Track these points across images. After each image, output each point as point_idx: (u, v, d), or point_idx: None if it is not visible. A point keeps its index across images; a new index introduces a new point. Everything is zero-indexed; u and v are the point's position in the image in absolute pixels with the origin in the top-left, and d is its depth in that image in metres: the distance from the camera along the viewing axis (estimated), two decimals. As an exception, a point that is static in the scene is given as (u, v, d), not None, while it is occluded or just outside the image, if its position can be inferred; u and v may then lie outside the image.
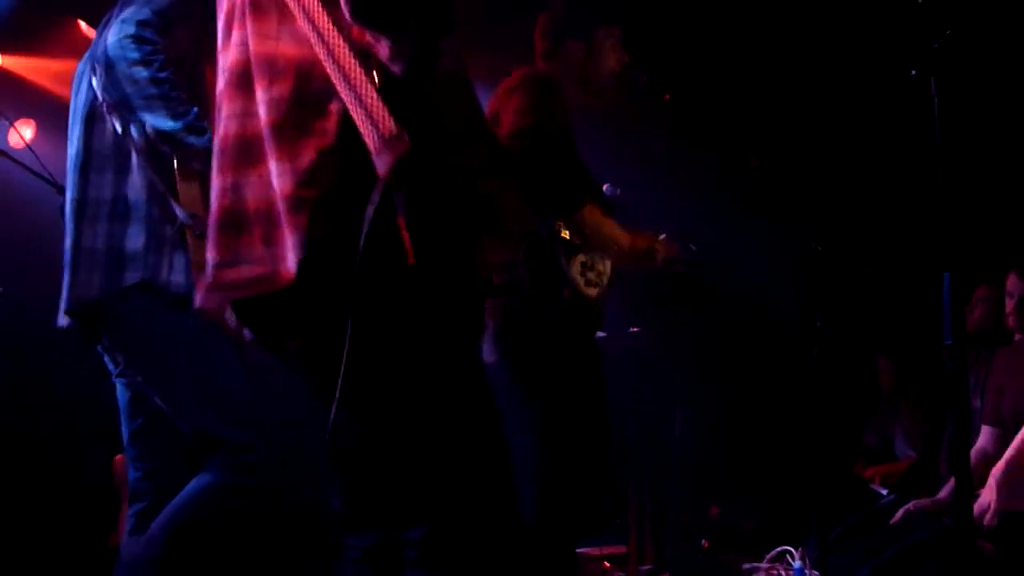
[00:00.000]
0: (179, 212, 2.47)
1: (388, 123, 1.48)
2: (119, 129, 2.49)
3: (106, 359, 2.68)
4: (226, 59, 1.69)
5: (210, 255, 1.66)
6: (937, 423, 4.65)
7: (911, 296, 4.85)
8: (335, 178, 1.54)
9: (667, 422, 5.03)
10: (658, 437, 4.92)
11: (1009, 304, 3.59)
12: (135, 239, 2.49)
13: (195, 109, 2.47)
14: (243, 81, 1.64)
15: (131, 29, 2.39)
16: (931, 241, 2.24)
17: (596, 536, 4.95)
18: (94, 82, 2.51)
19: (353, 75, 1.51)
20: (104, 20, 2.58)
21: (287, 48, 1.59)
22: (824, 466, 3.59)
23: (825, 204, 5.12)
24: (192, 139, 2.45)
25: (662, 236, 3.31)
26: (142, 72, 2.39)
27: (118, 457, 3.82)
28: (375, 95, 1.49)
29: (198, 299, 1.71)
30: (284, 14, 1.60)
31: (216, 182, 1.68)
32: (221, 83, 1.69)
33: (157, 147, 2.46)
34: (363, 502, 1.73)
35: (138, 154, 2.49)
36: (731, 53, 5.12)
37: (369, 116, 1.49)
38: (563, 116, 2.97)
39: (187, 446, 2.55)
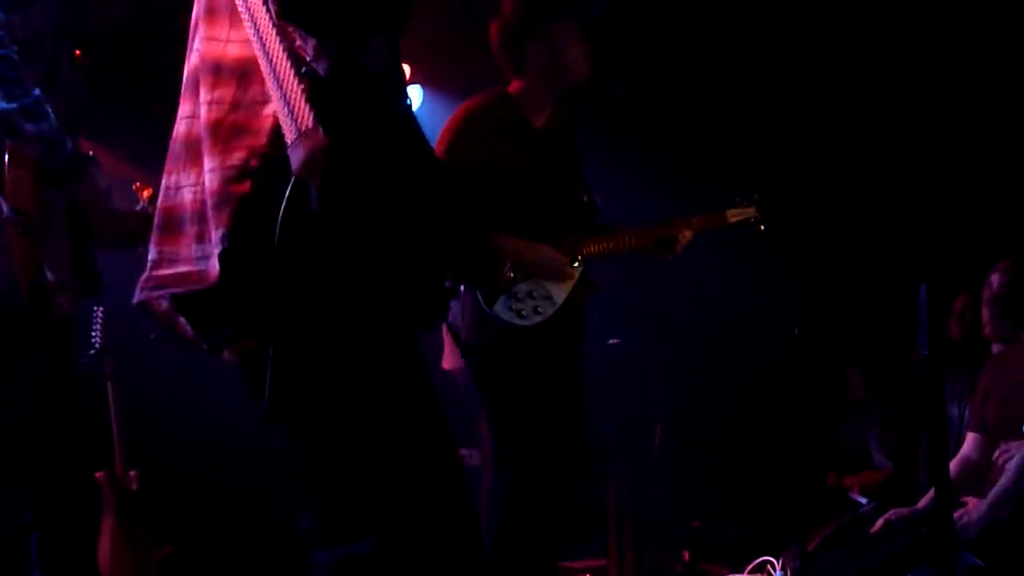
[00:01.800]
0: (3, 205, 2.29)
1: (306, 118, 1.53)
2: None
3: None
4: (188, 66, 1.75)
5: (150, 253, 1.73)
6: (913, 432, 4.68)
7: (885, 306, 4.88)
8: (263, 177, 1.59)
9: (647, 433, 5.03)
10: (638, 448, 4.93)
11: (985, 313, 3.62)
12: None
13: (36, 92, 2.30)
14: (193, 84, 1.71)
15: None
16: (908, 251, 2.26)
17: (572, 551, 4.95)
18: None
19: (282, 73, 1.57)
20: None
21: (233, 51, 1.66)
22: (804, 476, 3.60)
23: (805, 215, 5.15)
24: (27, 124, 2.28)
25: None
26: None
27: (97, 474, 3.79)
28: (299, 92, 1.55)
29: (136, 295, 1.74)
30: (235, 19, 1.66)
31: (163, 182, 1.74)
32: (182, 89, 1.75)
33: None
34: (322, 516, 1.73)
35: None
36: (711, 57, 5.13)
37: (290, 111, 1.54)
38: (489, 148, 2.96)
39: None
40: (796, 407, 3.75)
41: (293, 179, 1.53)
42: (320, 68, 1.59)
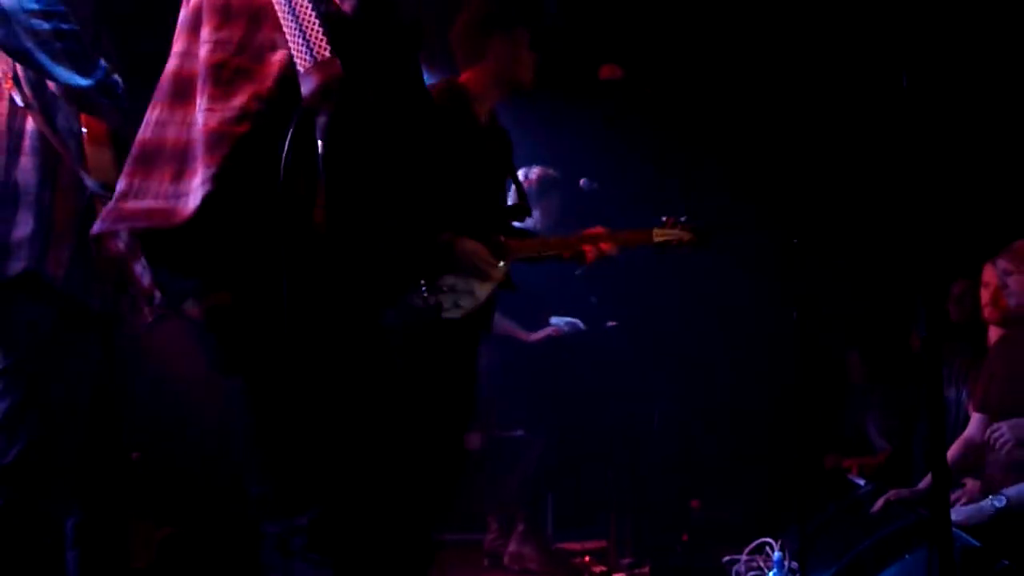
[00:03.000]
0: (88, 182, 2.29)
1: (323, 48, 1.51)
2: (19, 101, 2.32)
3: None
4: (187, 7, 1.69)
5: (119, 184, 1.65)
6: (911, 414, 4.69)
7: (885, 289, 4.89)
8: (263, 123, 1.55)
9: (646, 416, 5.04)
10: (637, 431, 4.94)
11: (984, 295, 3.62)
12: (23, 227, 2.30)
13: (103, 63, 2.29)
14: (194, 22, 1.65)
15: None
16: (907, 235, 2.26)
17: (572, 533, 4.98)
18: None
19: (300, 7, 1.54)
20: None
21: None
22: (803, 458, 3.61)
23: (803, 198, 5.15)
24: (103, 98, 2.29)
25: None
26: (43, 24, 2.20)
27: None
28: (316, 23, 1.52)
29: (95, 226, 1.67)
30: None
31: (146, 115, 1.68)
32: (178, 27, 1.70)
33: (56, 109, 2.29)
34: (267, 485, 1.70)
35: (39, 122, 2.30)
36: (710, 48, 5.13)
37: (306, 40, 1.51)
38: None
39: None
40: (796, 390, 3.75)
41: (300, 110, 1.50)
42: (347, 5, 1.55)
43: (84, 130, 2.33)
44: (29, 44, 2.21)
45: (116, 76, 2.32)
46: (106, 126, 2.35)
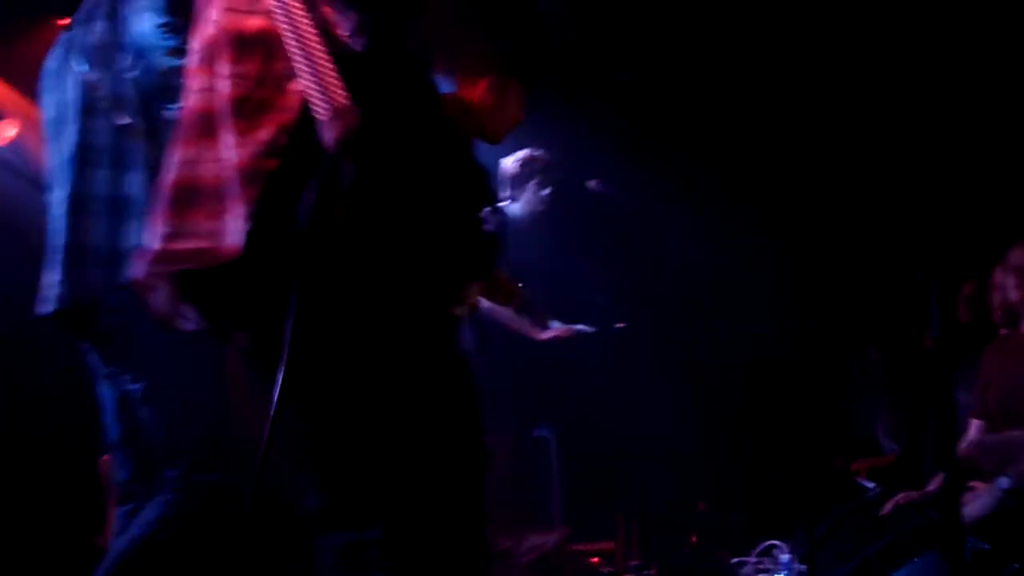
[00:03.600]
0: None
1: (340, 95, 1.50)
2: (123, 120, 2.40)
3: (90, 359, 2.63)
4: (200, 37, 1.69)
5: (160, 227, 1.65)
6: (921, 417, 4.67)
7: (898, 290, 4.88)
8: (292, 154, 1.54)
9: (654, 417, 5.03)
10: (645, 432, 4.93)
11: (996, 298, 3.61)
12: (135, 236, 2.37)
13: None
14: (210, 57, 1.65)
15: (160, 17, 2.31)
16: (918, 235, 2.25)
17: (580, 534, 4.97)
18: (94, 74, 2.41)
19: (311, 48, 1.52)
20: (85, 9, 2.48)
21: (254, 23, 1.60)
22: (811, 461, 3.59)
23: (815, 196, 5.14)
24: None
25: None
26: (174, 63, 2.26)
27: (104, 457, 3.79)
28: (330, 67, 1.51)
29: (140, 269, 1.68)
30: None
31: (174, 155, 1.67)
32: (193, 60, 1.69)
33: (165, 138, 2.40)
34: (328, 501, 1.71)
35: (143, 149, 2.40)
36: (717, 51, 5.12)
37: (322, 88, 1.50)
38: None
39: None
40: (804, 391, 3.74)
41: (327, 157, 1.50)
42: (358, 44, 1.55)
43: None
44: (158, 81, 2.31)
45: None
46: None
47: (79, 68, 2.47)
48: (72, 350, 2.67)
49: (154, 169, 2.39)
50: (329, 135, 1.50)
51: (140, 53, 2.32)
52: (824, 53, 4.91)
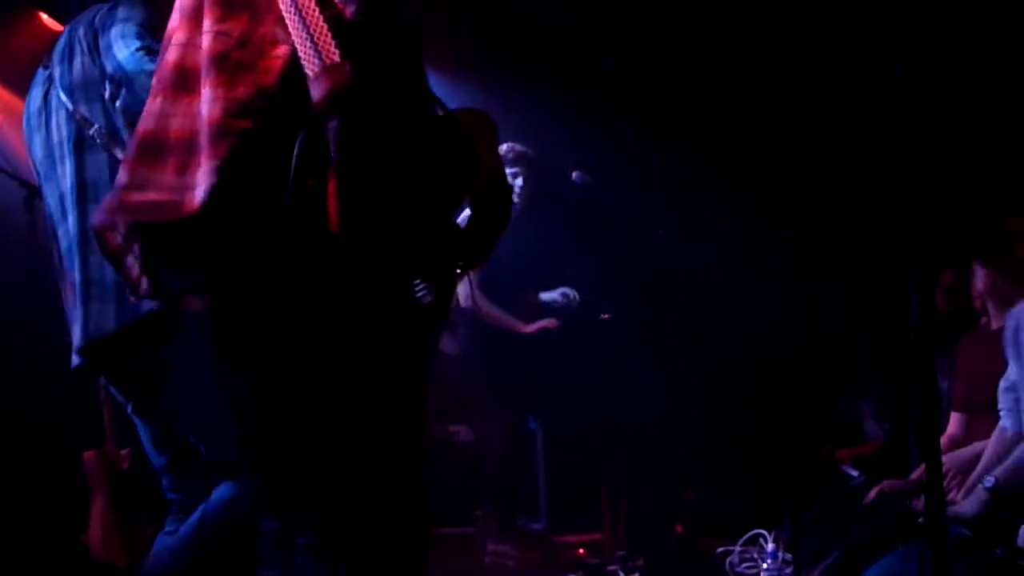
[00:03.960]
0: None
1: (332, 53, 1.49)
2: (119, 154, 2.40)
3: (113, 392, 2.60)
4: None
5: (121, 177, 1.63)
6: (905, 404, 4.69)
7: (883, 277, 4.89)
8: (268, 117, 1.54)
9: (640, 408, 5.04)
10: (631, 422, 4.94)
11: (976, 287, 3.62)
12: None
13: None
14: (194, 13, 1.64)
15: (138, 41, 2.32)
16: (900, 223, 2.25)
17: (566, 525, 4.98)
18: (82, 109, 2.42)
19: (306, 8, 1.52)
20: (67, 35, 2.49)
21: None
22: (797, 449, 3.60)
23: (802, 187, 5.15)
24: None
25: None
26: None
27: (87, 453, 3.78)
28: (324, 27, 1.50)
29: (96, 218, 1.67)
30: None
31: (146, 107, 1.66)
32: (175, 18, 1.68)
33: None
34: (268, 481, 1.70)
35: None
36: (702, 43, 5.12)
37: (314, 45, 1.50)
38: None
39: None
40: (789, 380, 3.75)
41: (311, 113, 1.48)
42: (350, 8, 1.53)
43: None
44: None
45: None
46: None
47: (67, 105, 2.44)
48: (56, 346, 2.66)
49: None
50: (318, 91, 1.48)
51: (124, 81, 2.31)
52: (810, 44, 4.92)
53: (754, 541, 3.81)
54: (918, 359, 2.22)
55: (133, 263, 1.65)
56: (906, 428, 4.43)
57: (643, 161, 5.24)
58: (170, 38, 1.68)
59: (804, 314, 3.62)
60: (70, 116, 2.47)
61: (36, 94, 2.59)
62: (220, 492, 2.45)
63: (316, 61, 1.49)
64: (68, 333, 2.55)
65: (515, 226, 4.59)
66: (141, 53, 2.31)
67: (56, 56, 2.51)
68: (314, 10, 1.51)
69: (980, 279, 3.56)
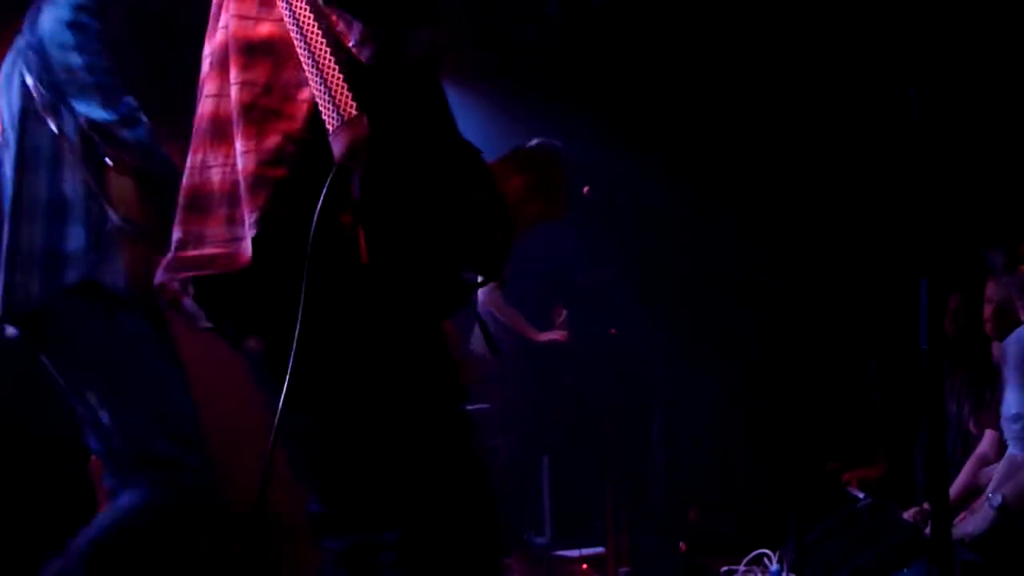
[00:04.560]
0: (112, 215, 2.39)
1: (348, 106, 1.50)
2: (55, 127, 2.41)
3: (53, 373, 2.55)
4: (212, 43, 1.70)
5: (175, 233, 1.67)
6: (913, 427, 4.67)
7: (892, 300, 4.89)
8: (299, 162, 1.55)
9: (645, 424, 5.04)
10: (636, 439, 4.93)
11: (987, 310, 3.62)
12: (75, 239, 2.40)
13: (130, 100, 2.38)
14: (222, 62, 1.65)
15: (66, 14, 2.32)
16: (910, 246, 2.26)
17: (569, 541, 4.97)
18: (27, 80, 2.42)
19: (321, 58, 1.52)
20: (33, 7, 2.48)
21: (263, 29, 1.61)
22: (801, 469, 3.59)
23: (813, 206, 5.15)
24: (125, 132, 2.36)
25: None
26: (77, 59, 2.31)
27: (95, 459, 3.78)
28: (340, 78, 1.51)
29: (157, 276, 1.69)
30: None
31: (188, 160, 1.69)
32: (205, 66, 1.70)
33: (90, 141, 2.37)
34: (337, 505, 1.71)
35: (72, 151, 2.41)
36: (717, 54, 5.13)
37: (331, 98, 1.51)
38: None
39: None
40: (796, 400, 3.75)
41: (335, 167, 1.49)
42: (364, 54, 1.54)
43: (110, 162, 2.40)
44: (62, 78, 2.32)
45: (142, 114, 2.40)
46: (130, 161, 2.42)
47: (23, 74, 2.45)
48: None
49: (87, 171, 2.39)
50: (338, 146, 1.50)
51: (43, 49, 2.32)
52: (822, 59, 4.92)
53: (758, 561, 3.80)
54: (926, 383, 2.22)
55: (190, 303, 1.69)
56: (912, 452, 4.42)
57: (658, 176, 5.25)
58: (202, 87, 1.70)
59: (813, 337, 3.62)
60: (22, 83, 2.48)
61: (8, 58, 2.59)
62: (119, 501, 2.41)
63: (334, 115, 1.50)
64: None
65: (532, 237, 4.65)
66: (64, 26, 2.32)
67: (27, 23, 2.50)
68: (329, 59, 1.52)
69: (992, 302, 3.56)
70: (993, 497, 3.06)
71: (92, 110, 2.34)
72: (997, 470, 3.27)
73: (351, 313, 1.57)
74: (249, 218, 1.55)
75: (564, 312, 4.90)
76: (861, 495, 4.26)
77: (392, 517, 1.62)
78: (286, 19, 1.57)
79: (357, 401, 1.61)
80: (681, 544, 4.62)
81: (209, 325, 1.71)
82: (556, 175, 1.80)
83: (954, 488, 3.53)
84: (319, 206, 1.50)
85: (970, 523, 3.13)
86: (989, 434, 3.62)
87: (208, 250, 1.61)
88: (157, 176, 2.45)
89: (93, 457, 3.78)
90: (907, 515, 3.57)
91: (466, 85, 4.81)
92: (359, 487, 1.66)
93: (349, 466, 1.66)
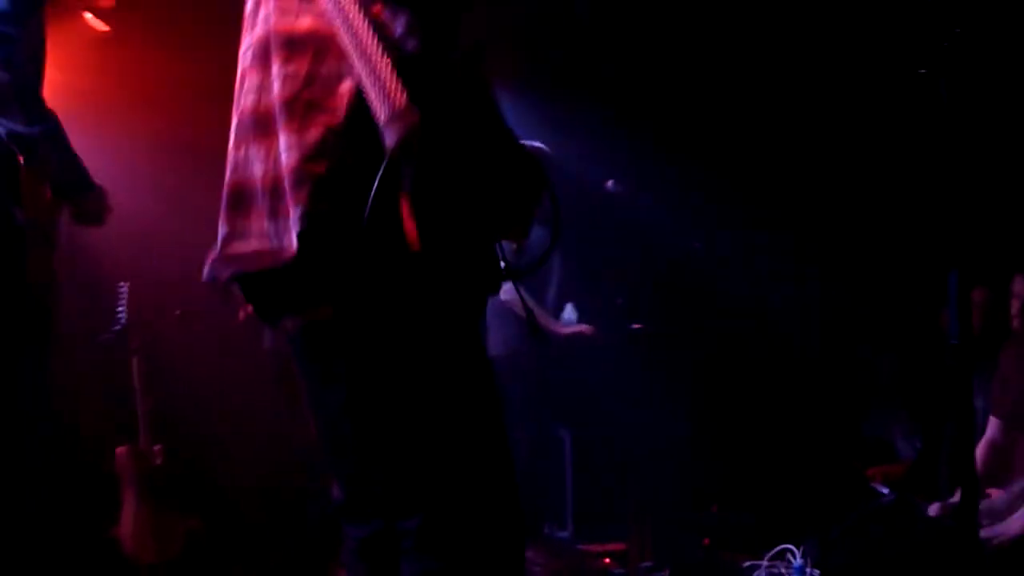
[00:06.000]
0: (18, 216, 2.42)
1: (399, 96, 1.49)
2: None
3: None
4: (252, 36, 1.70)
5: (221, 228, 1.68)
6: (938, 422, 4.64)
7: (915, 294, 4.86)
8: (341, 155, 1.56)
9: (668, 419, 5.02)
10: (658, 434, 4.92)
11: (1015, 305, 3.60)
12: None
13: (53, 116, 2.42)
14: (263, 55, 1.66)
15: None
16: (938, 240, 2.24)
17: (592, 535, 4.97)
18: None
19: (369, 49, 1.52)
20: None
21: (305, 23, 1.61)
22: (825, 464, 3.58)
23: (834, 202, 5.12)
24: (45, 147, 2.42)
25: None
26: (3, 75, 2.34)
27: (120, 449, 3.82)
28: (389, 69, 1.50)
29: (206, 271, 1.71)
30: None
31: (230, 155, 1.70)
32: (245, 60, 1.71)
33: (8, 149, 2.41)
34: (361, 491, 1.73)
35: None
36: (742, 50, 5.11)
37: (382, 89, 1.50)
38: None
39: None
40: (819, 395, 3.73)
41: (387, 158, 1.49)
42: (409, 45, 1.54)
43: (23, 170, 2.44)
44: None
45: (62, 130, 2.45)
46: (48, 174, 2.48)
47: None
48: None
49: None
50: (389, 138, 1.49)
51: None
52: (849, 52, 4.89)
53: (782, 556, 3.78)
54: (954, 378, 2.21)
55: (238, 291, 1.72)
56: (938, 447, 4.39)
57: (679, 174, 5.23)
58: (242, 82, 1.70)
59: (834, 332, 3.60)
60: None
61: None
62: None
63: (385, 107, 1.50)
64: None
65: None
66: None
67: None
68: (377, 49, 1.51)
69: (1020, 297, 3.54)
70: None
71: (14, 125, 2.39)
72: None
73: (396, 297, 1.57)
74: (294, 213, 1.55)
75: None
76: (885, 491, 4.24)
77: (416, 502, 1.62)
78: (330, 11, 1.56)
79: (392, 381, 1.61)
80: (704, 539, 4.61)
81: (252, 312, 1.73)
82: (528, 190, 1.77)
83: None
84: (372, 196, 1.49)
85: (1006, 525, 3.11)
86: (993, 421, 3.62)
87: (254, 245, 1.63)
88: (73, 189, 2.54)
89: (118, 449, 3.83)
90: (931, 510, 3.54)
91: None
92: (385, 469, 1.67)
93: (377, 447, 1.67)
